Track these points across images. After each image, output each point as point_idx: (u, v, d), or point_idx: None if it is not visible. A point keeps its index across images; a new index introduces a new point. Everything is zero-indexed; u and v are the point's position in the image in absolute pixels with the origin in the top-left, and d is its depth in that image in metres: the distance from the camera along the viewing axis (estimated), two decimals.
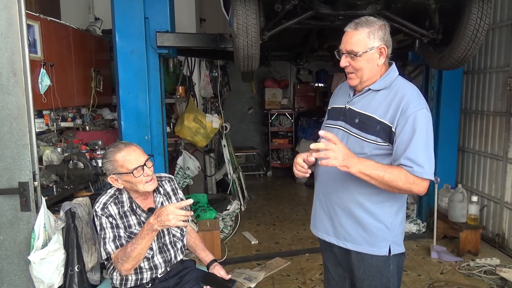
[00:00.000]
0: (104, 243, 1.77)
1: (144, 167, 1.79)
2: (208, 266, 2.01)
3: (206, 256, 2.03)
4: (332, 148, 1.39)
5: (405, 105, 1.49)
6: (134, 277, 1.85)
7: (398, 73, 1.63)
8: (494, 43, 3.77)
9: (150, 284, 1.88)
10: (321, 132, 1.42)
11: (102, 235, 1.78)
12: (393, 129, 1.50)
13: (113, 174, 1.80)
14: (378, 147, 1.54)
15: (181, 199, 2.01)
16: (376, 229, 1.61)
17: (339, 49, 1.61)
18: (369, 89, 1.60)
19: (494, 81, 3.79)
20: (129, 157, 1.78)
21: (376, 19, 1.57)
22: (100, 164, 2.93)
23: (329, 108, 1.82)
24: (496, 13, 3.70)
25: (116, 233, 1.78)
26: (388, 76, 1.60)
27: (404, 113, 1.48)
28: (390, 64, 1.65)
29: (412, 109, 1.48)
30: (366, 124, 1.56)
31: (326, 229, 1.73)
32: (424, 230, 4.14)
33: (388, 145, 1.53)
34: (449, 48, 2.66)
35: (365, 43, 1.53)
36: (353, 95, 1.66)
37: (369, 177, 1.46)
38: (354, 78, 1.61)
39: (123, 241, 1.77)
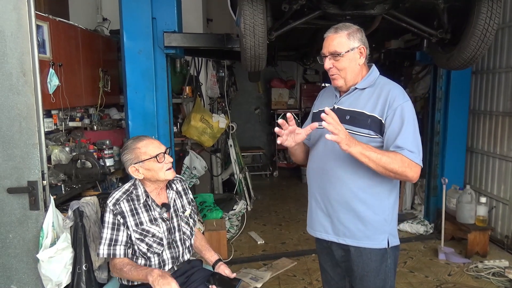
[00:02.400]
0: (100, 243, 1.82)
1: (165, 154, 1.85)
2: (213, 266, 2.02)
3: (211, 256, 2.05)
4: (339, 128, 1.48)
5: (391, 99, 1.60)
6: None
7: (379, 72, 1.74)
8: (504, 42, 3.73)
9: None
10: (327, 109, 1.49)
11: (102, 234, 1.82)
12: (383, 121, 1.60)
13: (134, 163, 1.82)
14: (370, 140, 1.62)
15: (191, 199, 2.05)
16: (375, 222, 1.66)
17: (321, 54, 1.71)
18: (355, 88, 1.70)
19: (503, 81, 3.75)
20: (151, 145, 1.85)
21: (352, 24, 1.69)
22: (107, 164, 2.96)
23: (314, 111, 1.89)
24: (505, 12, 3.66)
25: (115, 237, 1.80)
26: (371, 75, 1.71)
27: (392, 106, 1.60)
28: (370, 66, 1.75)
29: (398, 102, 1.60)
30: (357, 119, 1.64)
31: (325, 228, 1.76)
32: (431, 231, 4.11)
33: (380, 137, 1.62)
34: (457, 47, 2.63)
35: (347, 44, 1.64)
36: (340, 96, 1.75)
37: (368, 159, 1.52)
38: (338, 78, 1.70)
39: (118, 247, 1.80)
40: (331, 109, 1.72)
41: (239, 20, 2.44)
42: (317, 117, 1.83)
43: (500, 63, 3.80)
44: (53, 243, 1.93)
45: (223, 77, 5.41)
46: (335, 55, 1.64)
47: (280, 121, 1.65)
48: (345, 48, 1.63)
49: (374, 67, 1.74)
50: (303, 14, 2.56)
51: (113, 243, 1.80)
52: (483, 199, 3.58)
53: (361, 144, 1.53)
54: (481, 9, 2.40)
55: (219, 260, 2.02)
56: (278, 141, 1.66)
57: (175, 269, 1.94)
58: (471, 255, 3.50)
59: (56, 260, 1.93)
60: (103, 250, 1.80)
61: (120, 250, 1.80)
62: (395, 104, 1.59)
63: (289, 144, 1.68)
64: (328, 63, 1.67)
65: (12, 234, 1.92)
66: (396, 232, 1.74)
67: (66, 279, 1.98)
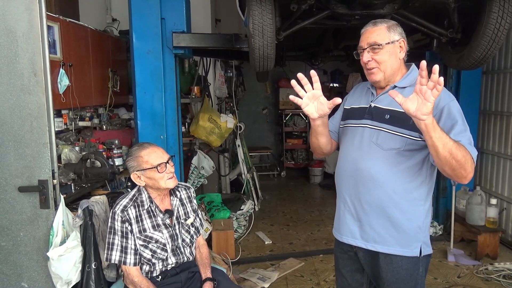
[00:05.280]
0: (111, 249, 1.84)
1: (167, 164, 1.85)
2: (203, 282, 1.97)
3: (204, 272, 1.99)
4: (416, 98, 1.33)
5: (436, 99, 1.44)
6: (147, 268, 1.91)
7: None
8: None
9: (160, 277, 1.92)
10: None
11: (111, 240, 1.85)
12: None
13: (136, 171, 1.85)
14: (413, 142, 1.52)
15: (195, 209, 2.06)
16: (408, 229, 1.58)
17: (357, 49, 1.62)
18: (395, 86, 1.60)
19: None
20: (154, 154, 1.86)
21: (390, 19, 1.62)
22: (116, 163, 2.98)
23: (346, 107, 1.78)
24: None
25: (125, 244, 1.84)
26: (411, 74, 1.61)
27: (437, 106, 1.47)
28: (408, 66, 1.65)
29: (444, 101, 1.49)
30: (398, 118, 1.54)
31: (352, 232, 1.67)
32: (440, 232, 4.07)
33: (422, 140, 1.49)
34: (468, 47, 2.60)
35: (387, 35, 1.56)
36: (377, 94, 1.65)
37: (439, 135, 1.34)
38: (377, 72, 1.59)
39: (129, 255, 1.84)
40: (367, 107, 1.65)
41: (247, 20, 2.44)
42: (349, 114, 1.75)
43: (511, 63, 3.75)
44: (63, 242, 1.95)
45: (231, 77, 5.43)
46: (375, 47, 1.55)
47: (299, 75, 1.49)
48: (386, 40, 1.55)
49: (413, 66, 1.65)
50: (312, 14, 2.55)
51: (124, 250, 1.84)
52: (493, 201, 3.53)
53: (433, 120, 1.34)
54: (493, 8, 2.37)
55: (209, 279, 1.96)
56: (298, 102, 1.52)
57: (178, 264, 1.96)
58: (481, 257, 3.46)
59: (66, 259, 1.95)
60: (115, 256, 1.83)
61: (131, 258, 1.84)
62: (440, 104, 1.48)
63: (310, 112, 1.54)
64: (366, 56, 1.58)
65: (23, 232, 1.95)
66: (429, 240, 1.65)
67: (75, 277, 2.00)
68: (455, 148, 1.36)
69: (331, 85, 7.67)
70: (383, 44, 1.55)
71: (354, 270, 1.77)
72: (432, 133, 1.33)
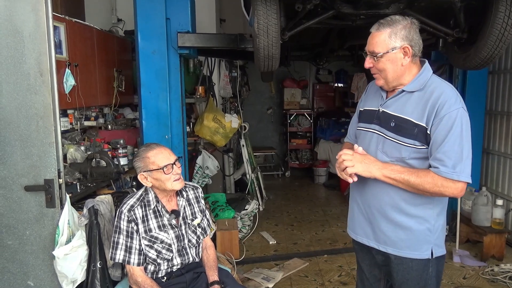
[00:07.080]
0: (116, 248, 1.84)
1: (174, 166, 1.85)
2: (209, 285, 1.97)
3: (211, 275, 1.98)
4: (346, 158, 1.52)
5: (440, 105, 1.45)
6: (152, 268, 1.91)
7: (431, 72, 1.58)
8: None
9: (165, 278, 1.92)
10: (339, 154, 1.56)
11: (116, 239, 1.85)
12: (428, 131, 1.46)
13: (143, 171, 1.85)
14: (416, 151, 1.50)
15: (202, 209, 2.05)
16: (417, 232, 1.57)
17: (365, 51, 1.60)
18: (403, 91, 1.56)
19: None
20: (160, 155, 1.85)
21: (402, 19, 1.52)
22: (122, 163, 2.99)
23: (361, 109, 1.77)
24: None
25: (129, 244, 1.84)
26: (421, 76, 1.55)
27: (439, 113, 1.44)
28: (423, 63, 1.59)
29: (447, 109, 1.44)
30: (402, 127, 1.51)
31: (366, 233, 1.69)
32: (446, 233, 4.03)
33: (426, 147, 1.49)
34: (474, 47, 2.58)
35: (386, 43, 1.50)
36: (386, 98, 1.62)
37: (395, 181, 1.48)
38: (379, 78, 1.59)
39: (133, 255, 1.84)
40: (376, 111, 1.64)
41: (252, 20, 2.44)
42: (362, 116, 1.74)
43: None
44: (68, 241, 1.96)
45: (236, 77, 5.42)
46: (373, 55, 1.53)
47: (360, 150, 1.57)
48: (384, 49, 1.50)
49: (426, 65, 1.57)
50: (317, 14, 2.55)
51: (128, 249, 1.84)
52: (499, 202, 3.51)
53: (386, 167, 1.49)
54: (499, 7, 2.35)
55: (216, 282, 1.95)
56: (350, 180, 1.56)
57: (183, 265, 1.96)
58: (486, 258, 3.44)
59: (71, 257, 1.96)
60: (120, 255, 1.84)
61: (135, 258, 1.84)
62: (443, 111, 1.43)
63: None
64: (367, 62, 1.56)
65: (29, 231, 1.96)
66: (442, 241, 1.63)
67: (81, 276, 2.02)
68: (419, 184, 1.46)
69: (336, 85, 7.66)
70: (381, 53, 1.51)
71: (372, 265, 1.78)
72: (388, 182, 1.52)
